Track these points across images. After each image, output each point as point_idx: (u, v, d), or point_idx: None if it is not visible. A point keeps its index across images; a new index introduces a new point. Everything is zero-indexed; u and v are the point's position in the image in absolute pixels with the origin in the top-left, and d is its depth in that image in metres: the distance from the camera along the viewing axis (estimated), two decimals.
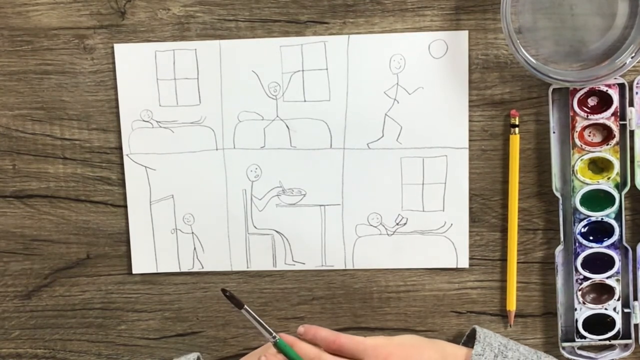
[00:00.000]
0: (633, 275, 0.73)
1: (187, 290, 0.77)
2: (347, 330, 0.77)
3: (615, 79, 0.70)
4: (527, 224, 0.74)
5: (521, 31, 0.69)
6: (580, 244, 0.72)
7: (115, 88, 0.75)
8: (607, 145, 0.71)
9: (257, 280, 0.77)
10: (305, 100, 0.74)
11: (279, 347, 0.68)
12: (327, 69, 0.73)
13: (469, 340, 0.74)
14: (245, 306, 0.68)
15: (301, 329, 0.71)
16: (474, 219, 0.75)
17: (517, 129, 0.72)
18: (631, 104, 0.71)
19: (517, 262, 0.75)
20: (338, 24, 0.73)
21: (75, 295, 0.78)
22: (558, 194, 0.73)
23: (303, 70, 0.73)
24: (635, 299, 0.73)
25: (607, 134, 0.71)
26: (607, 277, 0.73)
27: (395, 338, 0.71)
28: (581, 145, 0.71)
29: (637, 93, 0.71)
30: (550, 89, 0.72)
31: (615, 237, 0.72)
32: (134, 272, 0.77)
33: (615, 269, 0.73)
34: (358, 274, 0.76)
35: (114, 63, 0.74)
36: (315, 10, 0.73)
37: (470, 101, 0.73)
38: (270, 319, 0.77)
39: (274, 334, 0.68)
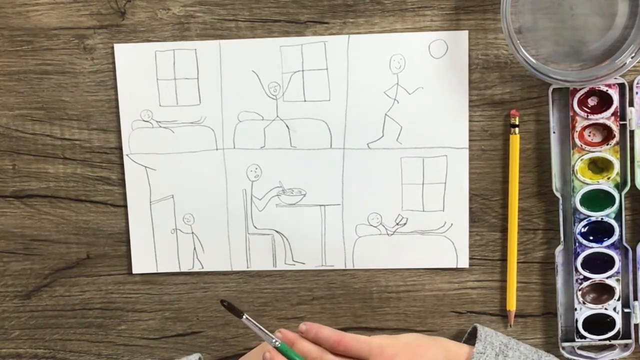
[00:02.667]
0: (633, 275, 0.73)
1: (187, 290, 0.77)
2: (347, 330, 0.77)
3: (615, 79, 0.70)
4: (527, 224, 0.74)
5: (521, 31, 0.69)
6: (580, 244, 0.72)
7: (115, 88, 0.75)
8: (607, 145, 0.71)
9: (257, 280, 0.77)
10: (305, 100, 0.74)
11: (281, 352, 0.68)
12: (327, 69, 0.73)
13: (470, 338, 0.74)
14: (245, 315, 0.68)
15: (303, 326, 0.70)
16: (474, 219, 0.75)
17: (517, 129, 0.72)
18: (631, 104, 0.71)
19: (517, 262, 0.74)
20: (338, 24, 0.73)
21: (75, 295, 0.78)
22: (558, 194, 0.73)
23: (303, 70, 0.73)
24: (635, 299, 0.73)
25: (607, 134, 0.71)
26: (607, 277, 0.73)
27: (400, 337, 0.71)
28: (581, 145, 0.71)
29: (637, 93, 0.71)
30: (550, 89, 0.71)
31: (615, 237, 0.72)
32: (134, 272, 0.77)
33: (615, 269, 0.73)
34: (358, 274, 0.76)
35: (114, 63, 0.74)
36: (315, 10, 0.73)
37: (470, 101, 0.73)
38: (270, 319, 0.77)
39: (275, 339, 0.68)
